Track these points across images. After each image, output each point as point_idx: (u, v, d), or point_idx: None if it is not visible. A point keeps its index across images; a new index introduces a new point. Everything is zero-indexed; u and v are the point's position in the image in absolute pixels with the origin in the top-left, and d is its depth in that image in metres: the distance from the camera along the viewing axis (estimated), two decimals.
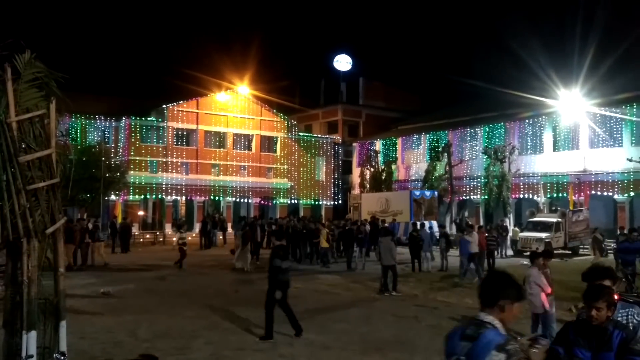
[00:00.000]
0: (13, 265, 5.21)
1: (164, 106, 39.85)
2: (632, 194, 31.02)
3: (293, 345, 9.51)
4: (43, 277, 5.26)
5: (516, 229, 29.70)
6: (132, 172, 37.76)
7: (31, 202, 5.14)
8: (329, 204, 46.98)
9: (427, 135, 42.13)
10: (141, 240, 33.89)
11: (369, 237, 23.30)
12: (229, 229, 34.34)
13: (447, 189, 37.14)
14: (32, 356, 4.97)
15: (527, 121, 36.14)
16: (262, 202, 43.49)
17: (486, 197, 35.67)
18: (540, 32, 69.28)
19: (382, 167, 43.29)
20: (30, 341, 5.01)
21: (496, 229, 26.29)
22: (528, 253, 14.87)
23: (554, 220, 27.07)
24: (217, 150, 42.02)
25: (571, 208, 29.51)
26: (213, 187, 41.19)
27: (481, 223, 32.40)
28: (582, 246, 28.05)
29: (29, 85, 5.36)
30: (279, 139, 44.62)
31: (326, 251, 22.44)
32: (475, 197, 38.06)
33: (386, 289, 15.43)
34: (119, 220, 31.10)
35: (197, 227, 37.49)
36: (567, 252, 26.73)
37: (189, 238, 25.09)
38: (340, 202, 47.34)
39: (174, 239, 22.58)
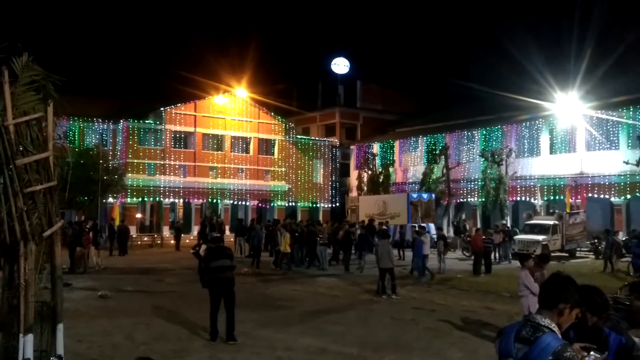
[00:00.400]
0: (10, 268, 5.21)
1: (162, 109, 39.84)
2: (628, 196, 31.08)
3: (291, 349, 9.51)
4: (40, 280, 5.26)
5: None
6: (129, 174, 37.70)
7: (28, 205, 5.15)
8: (326, 206, 46.97)
9: (425, 138, 42.18)
10: (139, 242, 33.86)
11: (364, 240, 23.09)
12: (227, 232, 34.37)
13: (445, 192, 37.18)
14: (28, 359, 4.97)
15: (524, 124, 36.21)
16: (260, 204, 43.47)
17: (483, 199, 35.72)
18: (537, 35, 69.43)
19: (380, 169, 43.31)
20: (27, 344, 5.01)
21: (502, 232, 25.77)
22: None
23: (551, 222, 27.09)
24: (215, 152, 41.98)
25: (568, 211, 29.56)
26: (211, 189, 41.16)
27: (478, 225, 32.52)
28: (579, 249, 28.09)
29: (27, 88, 5.37)
30: (276, 141, 44.62)
31: (285, 256, 21.48)
32: (472, 199, 38.11)
33: (383, 292, 15.43)
34: (117, 222, 31.10)
35: (194, 229, 37.53)
36: (564, 254, 26.76)
37: (187, 240, 25.15)
38: (337, 204, 47.35)
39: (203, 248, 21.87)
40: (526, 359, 3.00)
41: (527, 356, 3.00)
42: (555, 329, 3.06)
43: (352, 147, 48.82)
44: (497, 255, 25.23)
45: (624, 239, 26.65)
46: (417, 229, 23.43)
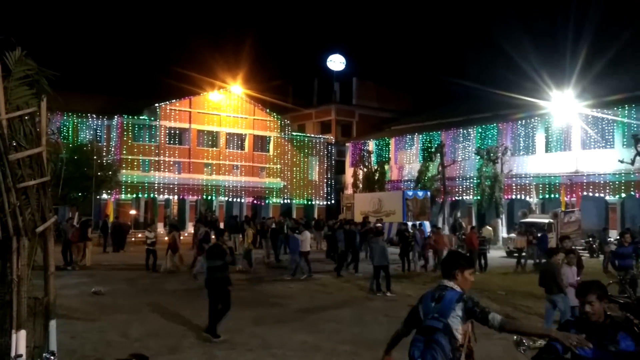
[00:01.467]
0: (2, 264, 5.16)
1: (157, 105, 39.69)
2: (623, 195, 31.19)
3: (285, 346, 9.50)
4: (33, 276, 5.22)
5: (488, 227, 29.64)
6: (124, 170, 37.61)
7: (21, 200, 5.10)
8: (321, 203, 46.97)
9: (420, 136, 42.21)
10: (133, 239, 33.72)
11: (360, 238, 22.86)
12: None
13: (440, 190, 37.22)
14: (21, 355, 4.92)
15: (519, 122, 36.27)
16: (255, 201, 43.43)
17: (478, 197, 35.77)
18: (532, 33, 69.64)
19: (375, 167, 43.32)
20: (19, 340, 4.97)
21: (528, 234, 23.51)
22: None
23: (546, 221, 27.14)
24: (210, 149, 41.91)
25: (563, 209, 29.62)
26: (206, 186, 41.07)
27: (474, 223, 32.57)
28: (573, 247, 28.11)
29: (20, 82, 5.31)
30: (272, 138, 44.57)
31: (248, 253, 20.71)
32: (467, 197, 38.16)
33: (378, 289, 15.42)
34: (111, 219, 30.97)
35: (189, 226, 37.43)
36: None
37: (182, 237, 24.98)
38: (333, 202, 47.36)
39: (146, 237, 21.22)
40: (440, 311, 3.96)
41: (441, 308, 3.98)
42: (457, 288, 4.08)
43: (347, 144, 48.82)
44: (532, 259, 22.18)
45: (617, 237, 26.73)
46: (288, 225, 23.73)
